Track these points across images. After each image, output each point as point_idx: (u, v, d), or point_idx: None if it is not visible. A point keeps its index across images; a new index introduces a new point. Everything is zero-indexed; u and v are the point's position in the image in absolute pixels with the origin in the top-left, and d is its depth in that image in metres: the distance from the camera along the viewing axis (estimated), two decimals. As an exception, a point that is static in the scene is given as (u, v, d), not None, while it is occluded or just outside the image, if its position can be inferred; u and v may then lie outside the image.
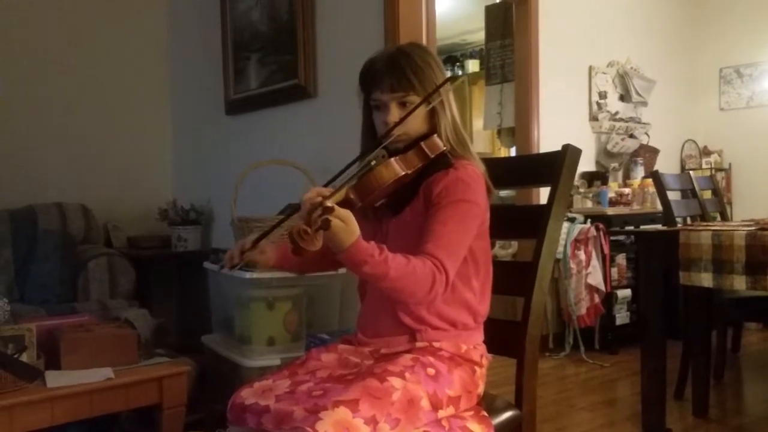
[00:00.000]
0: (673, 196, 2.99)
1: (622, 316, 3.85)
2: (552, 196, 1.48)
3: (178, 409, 2.14)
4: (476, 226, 1.32)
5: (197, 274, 3.23)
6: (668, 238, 2.15)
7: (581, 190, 4.20)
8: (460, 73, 7.01)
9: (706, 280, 2.00)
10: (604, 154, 4.50)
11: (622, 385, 3.25)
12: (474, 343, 1.37)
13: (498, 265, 1.48)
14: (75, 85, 3.81)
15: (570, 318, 3.72)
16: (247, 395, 1.30)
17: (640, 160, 4.56)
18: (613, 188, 4.30)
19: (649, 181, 4.10)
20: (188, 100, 4.05)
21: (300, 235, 1.07)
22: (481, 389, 1.37)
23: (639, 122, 4.70)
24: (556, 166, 1.48)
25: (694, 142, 5.18)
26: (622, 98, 4.65)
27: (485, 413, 1.32)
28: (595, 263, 3.67)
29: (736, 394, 3.19)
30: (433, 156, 1.30)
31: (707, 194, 3.38)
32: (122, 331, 2.23)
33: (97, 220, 3.61)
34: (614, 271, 3.83)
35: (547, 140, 3.98)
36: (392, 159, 1.26)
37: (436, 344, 1.33)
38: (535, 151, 3.92)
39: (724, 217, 3.43)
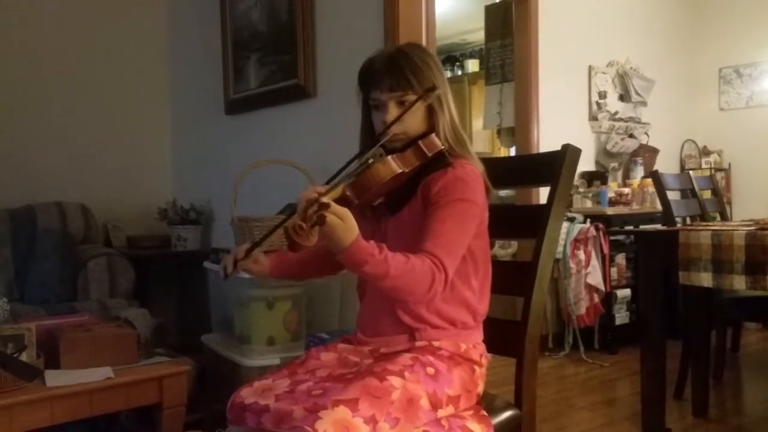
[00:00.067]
0: (672, 196, 2.99)
1: (621, 316, 3.86)
2: (552, 196, 1.48)
3: (177, 408, 2.14)
4: (475, 225, 1.32)
5: (197, 274, 3.23)
6: (668, 237, 2.15)
7: (581, 189, 4.21)
8: (460, 72, 7.01)
9: (705, 279, 2.00)
10: (604, 153, 4.50)
11: (622, 384, 3.25)
12: (473, 343, 1.38)
13: (498, 264, 1.48)
14: (75, 85, 3.81)
15: (569, 318, 3.72)
16: (246, 395, 1.30)
17: (639, 159, 4.56)
18: (612, 188, 4.30)
19: (649, 180, 4.10)
20: (188, 100, 4.05)
21: (295, 231, 1.07)
22: (480, 389, 1.37)
23: (639, 122, 4.70)
24: (555, 165, 1.48)
25: (694, 142, 5.18)
26: (621, 98, 4.65)
27: (485, 413, 1.32)
28: (595, 263, 3.67)
29: (736, 394, 3.19)
30: (431, 155, 1.30)
31: (707, 194, 3.38)
32: (122, 330, 2.23)
33: (96, 220, 3.61)
34: (614, 270, 3.83)
35: (547, 140, 3.98)
36: (389, 157, 1.27)
37: (436, 343, 1.33)
38: (534, 151, 3.92)
39: (724, 217, 3.43)
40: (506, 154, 5.37)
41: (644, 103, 4.76)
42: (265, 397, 1.27)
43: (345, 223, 1.12)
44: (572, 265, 3.66)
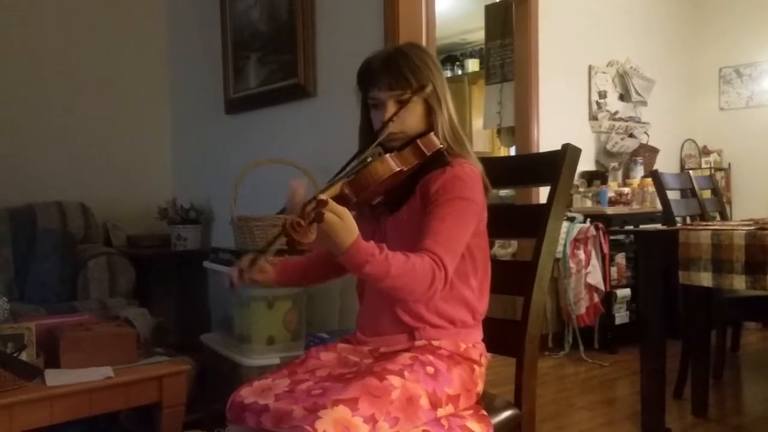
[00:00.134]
0: (672, 195, 2.99)
1: (621, 316, 3.86)
2: (552, 196, 1.48)
3: (177, 408, 2.14)
4: (474, 223, 1.32)
5: (197, 273, 3.23)
6: (668, 237, 2.15)
7: (581, 189, 4.21)
8: (460, 72, 7.01)
9: (705, 279, 2.00)
10: (604, 153, 4.50)
11: (622, 384, 3.25)
12: (473, 342, 1.38)
13: (498, 264, 1.48)
14: (75, 85, 3.81)
15: (569, 317, 3.72)
16: (246, 394, 1.30)
17: (639, 159, 4.56)
18: (612, 188, 4.30)
19: (649, 180, 4.10)
20: (188, 99, 4.05)
21: (293, 227, 1.07)
22: (480, 388, 1.37)
23: (638, 122, 4.70)
24: (555, 165, 1.48)
25: (694, 141, 5.18)
26: (621, 98, 4.65)
27: (484, 412, 1.32)
28: (595, 263, 3.67)
29: (736, 394, 3.19)
30: (429, 153, 1.31)
31: (707, 194, 3.38)
32: (122, 330, 2.23)
33: (96, 219, 3.61)
34: (614, 270, 3.83)
35: (547, 140, 3.98)
36: (388, 155, 1.27)
37: (435, 343, 1.33)
38: (534, 151, 3.92)
39: (724, 217, 3.43)
40: (506, 154, 5.37)
41: (644, 103, 4.76)
42: (264, 396, 1.27)
43: (344, 222, 1.12)
44: (572, 264, 3.66)
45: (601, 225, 3.73)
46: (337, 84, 2.92)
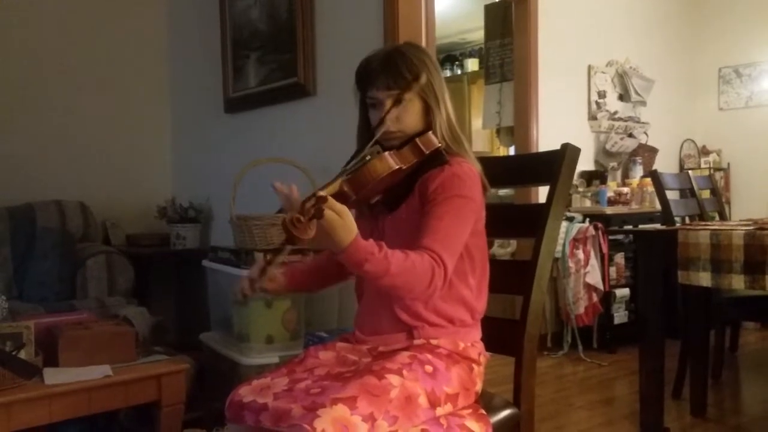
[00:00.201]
0: (671, 195, 2.99)
1: (620, 316, 3.86)
2: (551, 195, 1.48)
3: (176, 406, 2.14)
4: (472, 221, 1.32)
5: (196, 272, 3.23)
6: (667, 237, 2.15)
7: (580, 189, 4.21)
8: (459, 72, 7.00)
9: (704, 279, 2.00)
10: (603, 153, 4.50)
11: (620, 384, 3.26)
12: (471, 341, 1.38)
13: (497, 263, 1.48)
14: (75, 85, 3.81)
15: (568, 317, 3.72)
16: (245, 393, 1.30)
17: (638, 159, 4.56)
18: (611, 187, 4.30)
19: (648, 180, 4.11)
20: (187, 98, 4.04)
21: (293, 223, 1.08)
22: (479, 387, 1.37)
23: (638, 121, 4.70)
24: (555, 165, 1.48)
25: (693, 141, 5.18)
26: (621, 98, 4.65)
27: (483, 411, 1.32)
28: (594, 262, 3.67)
29: (734, 394, 3.20)
30: (428, 152, 1.31)
31: (706, 194, 3.38)
32: (120, 328, 2.23)
33: (95, 218, 3.60)
34: (612, 270, 3.84)
35: (546, 139, 3.99)
36: (386, 153, 1.27)
37: (434, 341, 1.33)
38: (533, 150, 3.92)
39: (723, 217, 3.44)
40: (505, 154, 5.38)
41: (644, 103, 4.76)
42: (263, 395, 1.27)
43: (343, 220, 1.12)
44: (571, 264, 3.67)
45: (600, 225, 3.73)
46: (337, 83, 2.92)
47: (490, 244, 1.42)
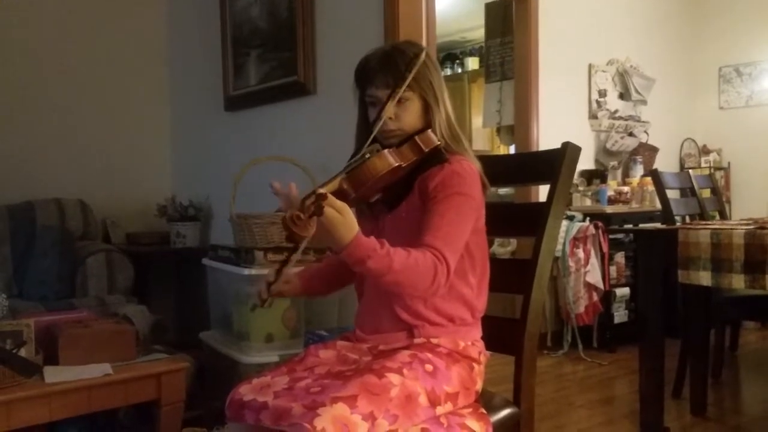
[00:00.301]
0: (672, 194, 2.99)
1: (620, 315, 3.86)
2: (551, 194, 1.48)
3: (176, 405, 2.14)
4: (473, 218, 1.32)
5: (196, 271, 3.23)
6: (667, 236, 2.15)
7: (580, 188, 4.21)
8: (459, 70, 7.00)
9: (704, 278, 2.00)
10: (604, 152, 4.50)
11: (620, 383, 3.26)
12: (472, 340, 1.38)
13: (497, 262, 1.48)
14: (75, 85, 3.80)
15: (568, 316, 3.72)
16: (245, 392, 1.30)
17: (639, 158, 4.56)
18: (612, 186, 4.30)
19: (648, 179, 4.10)
20: (187, 97, 4.04)
21: (293, 221, 1.08)
22: (479, 386, 1.37)
23: (638, 120, 4.70)
24: (555, 164, 1.48)
25: (694, 140, 5.18)
26: (621, 96, 4.65)
27: (483, 410, 1.32)
28: (594, 261, 3.67)
29: (734, 393, 3.20)
30: (427, 150, 1.31)
31: (706, 193, 3.38)
32: (120, 327, 2.23)
33: (95, 216, 3.60)
34: (613, 269, 3.83)
35: (547, 138, 3.98)
36: (386, 151, 1.27)
37: (434, 340, 1.33)
38: (534, 149, 3.91)
39: (723, 216, 3.43)
40: (506, 152, 5.37)
41: (644, 102, 4.76)
42: (263, 394, 1.27)
43: (344, 217, 1.12)
44: (571, 263, 3.66)
45: (600, 224, 3.73)
46: (337, 82, 2.91)
47: (491, 243, 1.42)
